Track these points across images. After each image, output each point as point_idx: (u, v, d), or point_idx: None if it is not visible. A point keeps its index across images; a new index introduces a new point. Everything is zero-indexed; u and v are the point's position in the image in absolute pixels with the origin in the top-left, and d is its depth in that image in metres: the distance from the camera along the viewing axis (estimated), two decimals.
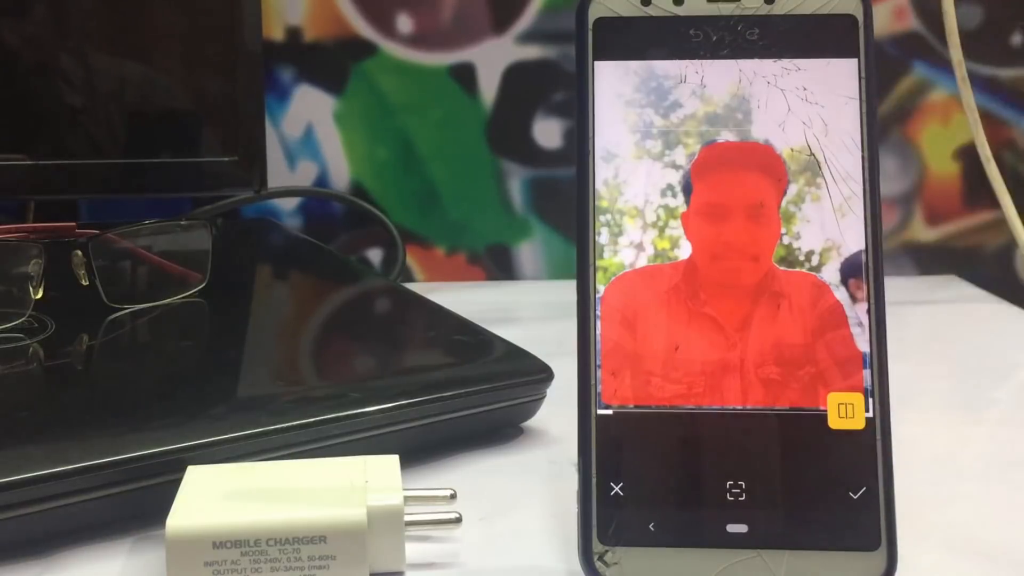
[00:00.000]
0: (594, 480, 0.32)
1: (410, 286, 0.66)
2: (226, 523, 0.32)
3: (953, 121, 0.80)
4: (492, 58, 0.78)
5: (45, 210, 0.68)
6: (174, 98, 0.68)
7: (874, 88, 0.33)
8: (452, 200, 0.80)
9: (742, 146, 0.33)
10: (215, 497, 0.34)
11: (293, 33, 0.78)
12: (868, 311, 0.32)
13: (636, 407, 0.32)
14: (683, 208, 0.33)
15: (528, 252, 0.81)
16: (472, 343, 0.50)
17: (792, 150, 0.33)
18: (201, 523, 0.32)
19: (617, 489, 0.31)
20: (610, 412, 0.32)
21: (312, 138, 0.79)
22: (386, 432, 0.41)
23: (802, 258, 0.33)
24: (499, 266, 0.81)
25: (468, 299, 0.65)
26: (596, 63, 0.33)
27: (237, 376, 0.47)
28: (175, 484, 0.34)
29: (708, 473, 0.32)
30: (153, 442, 0.37)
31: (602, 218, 0.33)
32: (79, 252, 0.51)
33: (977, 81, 0.74)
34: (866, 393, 0.32)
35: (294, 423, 0.39)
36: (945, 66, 0.69)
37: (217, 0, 0.66)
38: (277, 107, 0.78)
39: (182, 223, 0.57)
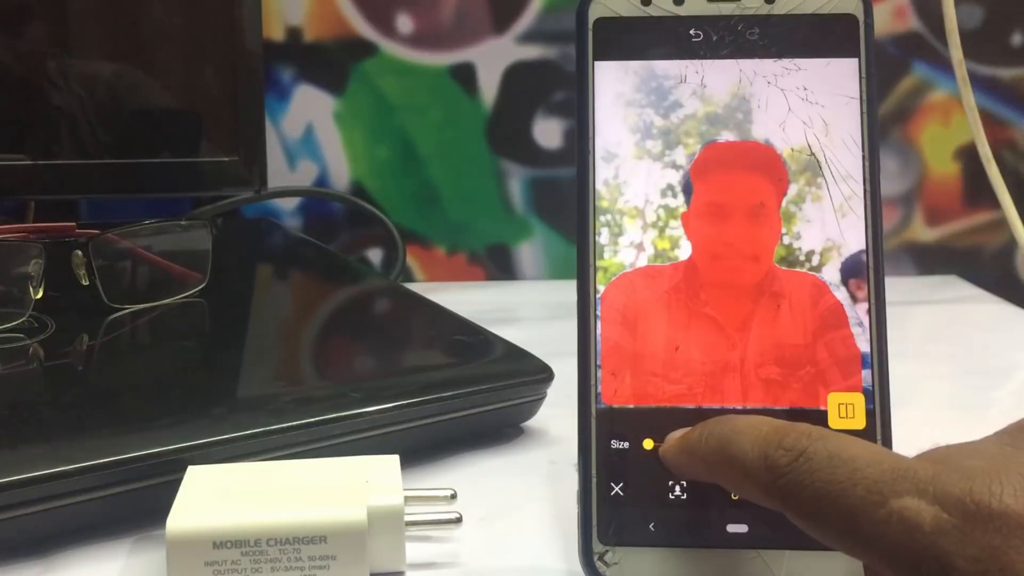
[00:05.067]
0: (594, 480, 0.32)
1: (410, 286, 0.66)
2: (226, 523, 0.32)
3: (953, 121, 0.80)
4: (492, 58, 0.78)
5: (45, 210, 0.68)
6: (174, 98, 0.68)
7: (874, 88, 0.33)
8: (452, 200, 0.80)
9: (742, 146, 0.33)
10: (215, 497, 0.34)
11: (293, 33, 0.78)
12: (868, 311, 0.32)
13: (636, 407, 0.32)
14: (683, 208, 0.33)
15: (528, 252, 0.81)
16: (472, 343, 0.50)
17: (792, 150, 0.33)
18: (201, 523, 0.32)
19: (617, 489, 0.31)
20: (610, 412, 0.32)
21: (312, 138, 0.79)
22: (386, 432, 0.41)
23: (802, 258, 0.33)
24: (499, 266, 0.81)
25: (468, 299, 0.65)
26: (596, 63, 0.33)
27: (237, 376, 0.47)
28: (175, 484, 0.34)
29: None
30: (153, 442, 0.37)
31: (602, 218, 0.33)
32: (79, 252, 0.51)
33: (977, 81, 0.74)
34: (866, 393, 0.32)
35: (294, 423, 0.39)
36: (945, 66, 0.69)
37: (217, 0, 0.66)
38: (277, 107, 0.78)
39: (182, 223, 0.57)
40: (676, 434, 0.31)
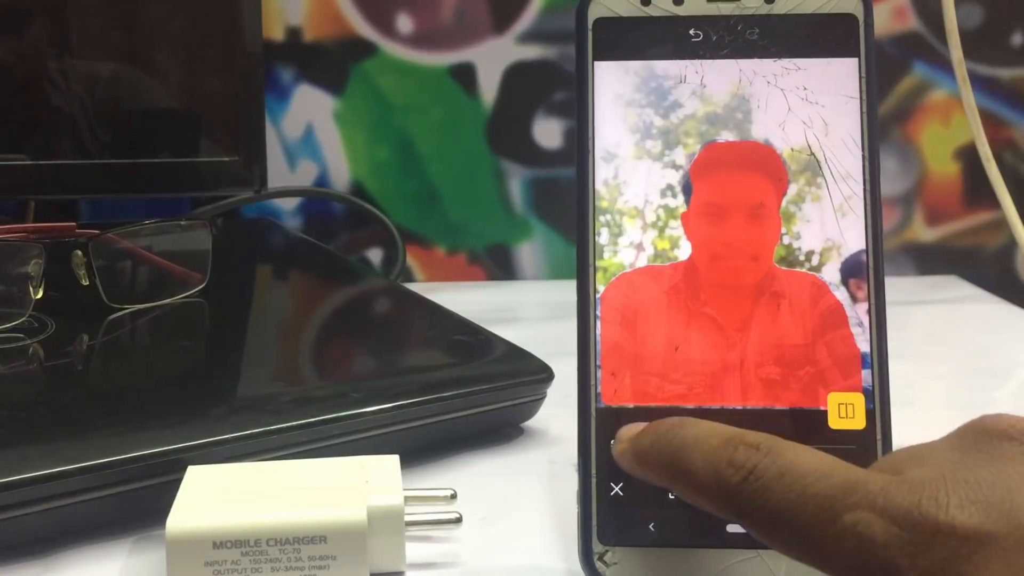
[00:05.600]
0: (594, 480, 0.32)
1: (410, 286, 0.66)
2: (226, 523, 0.32)
3: (953, 121, 0.80)
4: (492, 58, 0.78)
5: (45, 210, 0.68)
6: (174, 98, 0.68)
7: (874, 88, 0.33)
8: (452, 200, 0.80)
9: (742, 146, 0.33)
10: (215, 497, 0.34)
11: (293, 33, 0.78)
12: (868, 311, 0.32)
13: (636, 407, 0.32)
14: (683, 208, 0.33)
15: (528, 252, 0.81)
16: (472, 343, 0.50)
17: (792, 150, 0.33)
18: (201, 523, 0.32)
19: (617, 489, 0.31)
20: (610, 412, 0.32)
21: (312, 138, 0.79)
22: (386, 432, 0.41)
23: (802, 258, 0.33)
24: (499, 266, 0.81)
25: (468, 299, 0.65)
26: (596, 63, 0.33)
27: (237, 376, 0.47)
28: (175, 484, 0.34)
29: None
30: (153, 442, 0.37)
31: (602, 218, 0.33)
32: (79, 252, 0.51)
33: (977, 81, 0.74)
34: (866, 393, 0.32)
35: (294, 423, 0.39)
36: (945, 66, 0.69)
37: (217, 0, 0.66)
38: (277, 107, 0.78)
39: (182, 223, 0.57)
40: (628, 432, 0.30)
